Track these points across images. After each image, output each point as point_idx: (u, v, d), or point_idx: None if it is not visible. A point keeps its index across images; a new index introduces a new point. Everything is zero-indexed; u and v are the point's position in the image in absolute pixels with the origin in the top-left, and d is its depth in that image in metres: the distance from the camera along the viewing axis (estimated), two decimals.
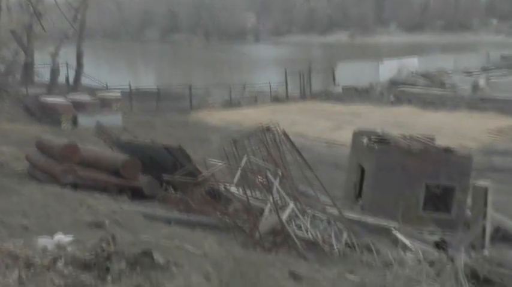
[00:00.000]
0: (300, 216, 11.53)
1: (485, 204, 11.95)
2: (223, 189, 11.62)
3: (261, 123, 15.54)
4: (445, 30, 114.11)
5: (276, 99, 40.25)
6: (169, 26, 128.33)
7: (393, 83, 41.93)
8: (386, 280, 6.93)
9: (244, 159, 13.18)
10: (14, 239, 6.59)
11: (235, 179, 12.28)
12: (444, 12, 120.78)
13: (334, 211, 12.10)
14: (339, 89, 42.25)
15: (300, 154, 14.27)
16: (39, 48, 38.86)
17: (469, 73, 43.55)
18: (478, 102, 35.36)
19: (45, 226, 8.02)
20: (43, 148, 14.39)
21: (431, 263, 7.38)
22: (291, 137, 14.72)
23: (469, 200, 12.37)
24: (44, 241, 6.51)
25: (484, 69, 46.19)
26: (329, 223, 11.70)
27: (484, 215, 11.90)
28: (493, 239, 12.03)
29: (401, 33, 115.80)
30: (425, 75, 43.87)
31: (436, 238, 11.26)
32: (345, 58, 52.70)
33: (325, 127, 29.07)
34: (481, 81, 38.97)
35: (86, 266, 5.75)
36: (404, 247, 9.77)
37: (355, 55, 63.02)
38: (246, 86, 41.80)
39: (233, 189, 12.08)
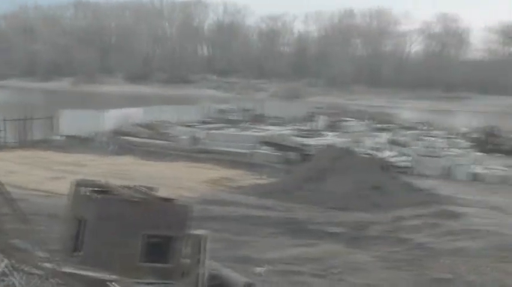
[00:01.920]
0: (14, 273, 10.81)
1: (202, 252, 12.40)
2: None
3: None
4: (168, 83, 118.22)
5: None
6: None
7: (117, 133, 42.05)
8: None
9: None
10: None
11: None
12: (167, 65, 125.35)
13: (52, 266, 11.57)
14: (62, 138, 41.16)
15: (15, 205, 13.46)
16: None
17: (189, 125, 45.44)
18: (197, 153, 37.02)
19: None
20: None
21: None
22: (6, 187, 13.85)
23: (187, 249, 12.70)
24: None
25: (204, 122, 48.64)
26: (46, 278, 11.15)
27: (201, 263, 12.33)
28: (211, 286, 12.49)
29: (127, 83, 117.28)
30: (149, 126, 44.81)
31: None
32: (68, 106, 51.58)
33: (45, 177, 27.94)
34: (201, 133, 40.89)
35: None
36: None
37: (79, 103, 62.16)
38: None
39: None
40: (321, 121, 50.47)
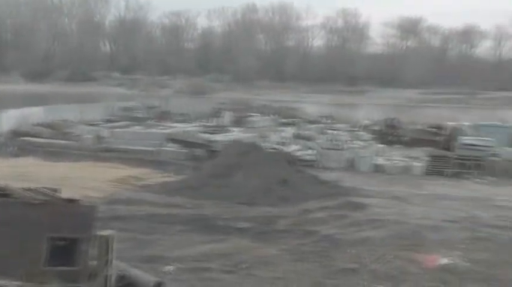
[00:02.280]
0: None
1: (110, 253, 12.17)
2: None
3: None
4: (70, 81, 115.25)
5: None
6: None
7: (16, 134, 40.58)
8: None
9: None
10: None
11: None
12: (68, 62, 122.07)
13: None
14: None
15: None
16: None
17: (93, 124, 44.49)
18: (102, 152, 36.28)
19: None
20: None
21: None
22: None
23: (94, 251, 12.44)
24: None
25: (108, 120, 47.75)
26: None
27: (108, 264, 12.10)
28: None
29: (26, 81, 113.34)
30: (50, 126, 43.51)
31: None
32: None
33: None
34: (105, 132, 40.10)
35: None
36: None
37: None
38: None
39: None
40: (227, 117, 50.68)
